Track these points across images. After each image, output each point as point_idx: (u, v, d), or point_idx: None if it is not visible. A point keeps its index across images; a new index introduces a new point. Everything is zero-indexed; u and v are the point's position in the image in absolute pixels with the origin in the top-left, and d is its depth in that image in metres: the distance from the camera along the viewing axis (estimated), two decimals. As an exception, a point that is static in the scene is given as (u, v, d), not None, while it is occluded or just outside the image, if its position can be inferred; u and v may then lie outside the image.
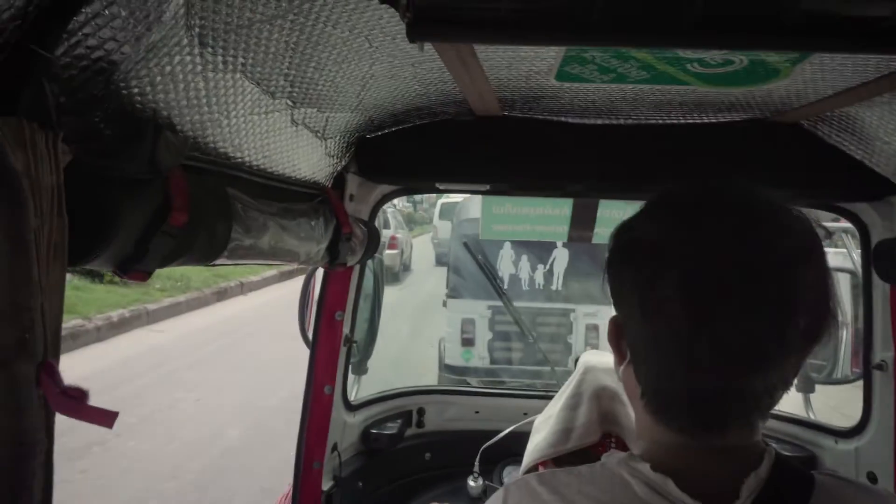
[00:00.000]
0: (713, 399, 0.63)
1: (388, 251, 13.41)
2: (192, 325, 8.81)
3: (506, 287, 4.58)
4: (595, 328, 4.72)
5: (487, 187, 1.43)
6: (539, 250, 4.87)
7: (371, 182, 1.48)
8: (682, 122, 1.34)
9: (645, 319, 0.64)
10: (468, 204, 5.44)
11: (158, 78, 0.66)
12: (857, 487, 0.67)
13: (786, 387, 0.64)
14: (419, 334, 7.95)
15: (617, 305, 0.71)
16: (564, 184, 1.43)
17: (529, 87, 1.14)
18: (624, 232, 0.70)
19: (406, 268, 14.77)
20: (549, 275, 4.87)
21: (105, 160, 0.59)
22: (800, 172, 1.32)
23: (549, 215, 1.93)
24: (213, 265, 0.85)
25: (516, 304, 3.98)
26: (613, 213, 1.67)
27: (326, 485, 1.57)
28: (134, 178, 0.63)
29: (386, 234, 13.03)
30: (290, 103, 0.95)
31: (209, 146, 0.84)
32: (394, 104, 1.22)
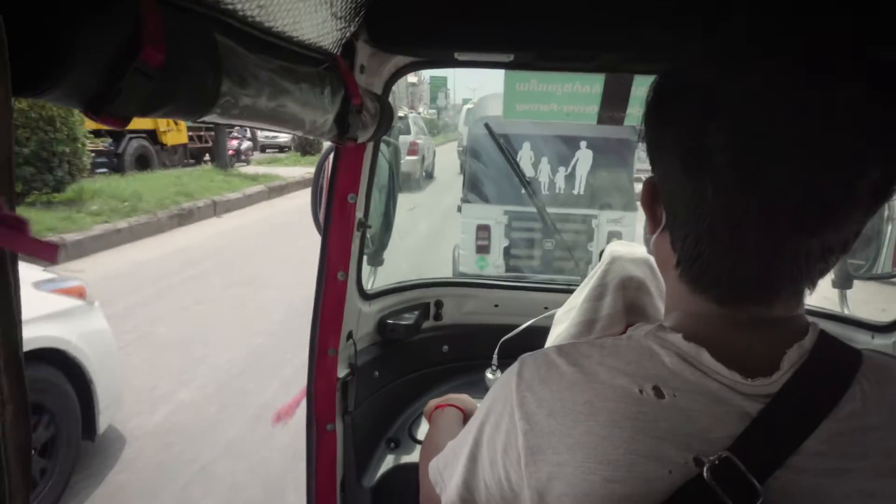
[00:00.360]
0: (761, 262, 0.56)
1: (407, 157, 12.99)
2: (126, 261, 6.99)
3: (522, 191, 4.22)
4: (619, 235, 4.44)
5: (511, 57, 1.30)
6: (561, 151, 4.51)
7: (383, 52, 1.35)
8: None
9: (687, 176, 0.57)
10: (485, 101, 5.10)
11: None
12: None
13: (844, 249, 0.57)
14: (438, 242, 7.71)
15: (654, 163, 0.63)
16: (597, 54, 1.29)
17: None
18: (667, 79, 0.61)
19: (429, 175, 14.48)
20: (570, 178, 4.55)
21: None
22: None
23: (577, 93, 1.79)
24: (205, 122, 0.77)
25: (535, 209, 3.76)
26: (649, 92, 1.52)
27: (342, 372, 1.57)
28: None
29: (406, 140, 13.30)
30: None
31: None
32: None
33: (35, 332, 2.77)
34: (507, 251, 4.70)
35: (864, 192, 0.53)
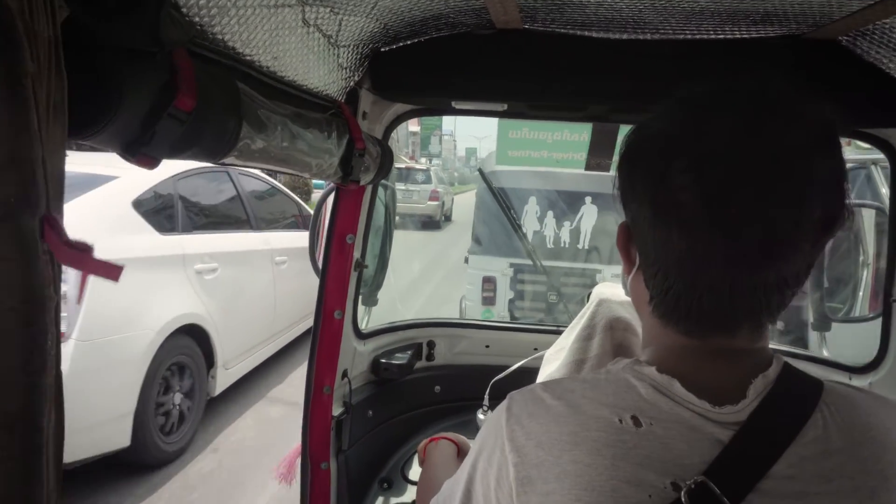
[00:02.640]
0: (723, 294, 0.61)
1: (430, 202, 15.33)
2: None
3: (529, 245, 4.26)
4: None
5: (505, 107, 1.38)
6: (566, 206, 4.57)
7: (385, 100, 1.43)
8: (713, 36, 1.27)
9: (655, 216, 0.63)
10: (492, 156, 4.96)
11: None
12: (868, 394, 0.67)
13: (797, 283, 0.63)
14: (448, 266, 8.61)
15: (626, 207, 0.69)
16: (586, 104, 1.37)
17: None
18: (636, 132, 0.68)
19: (447, 218, 16.39)
20: (575, 232, 4.58)
21: (104, 24, 0.55)
22: (832, 94, 1.25)
23: (567, 141, 1.88)
24: (223, 163, 0.82)
25: (542, 261, 3.80)
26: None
27: (337, 410, 1.58)
28: (137, 50, 0.60)
29: (428, 189, 15.16)
30: None
31: (217, 37, 0.80)
32: (411, 10, 1.16)
33: (186, 310, 3.87)
34: (511, 303, 4.71)
35: (810, 226, 0.59)
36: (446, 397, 2.02)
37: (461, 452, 1.26)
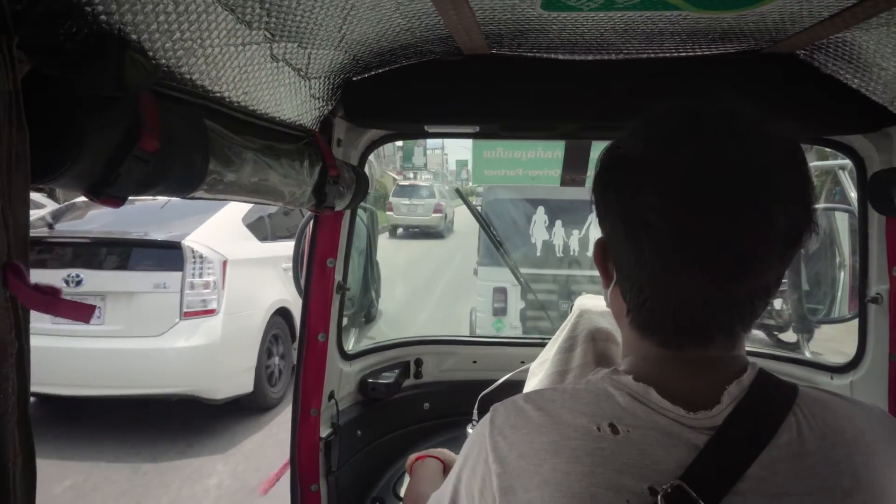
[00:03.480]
0: (695, 308, 0.64)
1: (434, 214, 17.47)
2: None
3: (538, 253, 4.47)
4: None
5: (477, 129, 1.41)
6: (574, 216, 4.58)
7: (359, 127, 1.45)
8: (675, 55, 1.30)
9: (628, 234, 0.65)
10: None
11: None
12: (842, 398, 0.68)
13: (768, 296, 0.65)
14: (455, 266, 9.80)
15: (602, 224, 0.72)
16: (556, 124, 1.41)
17: (516, 18, 1.11)
18: (609, 152, 0.70)
19: (448, 229, 18.40)
20: (584, 241, 4.58)
21: (68, 73, 0.57)
22: (794, 105, 1.30)
23: (541, 159, 1.91)
24: (192, 198, 0.84)
25: (550, 271, 4.05)
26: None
27: (325, 432, 1.59)
28: (101, 96, 0.62)
29: (432, 203, 17.47)
30: (268, 35, 0.92)
31: (185, 76, 0.82)
32: (379, 41, 1.19)
33: (279, 297, 5.22)
34: (523, 313, 4.68)
35: (777, 240, 0.61)
36: (435, 414, 2.03)
37: (447, 469, 1.27)
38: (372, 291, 2.08)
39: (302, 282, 1.59)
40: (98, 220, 4.79)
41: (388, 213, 17.19)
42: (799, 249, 0.65)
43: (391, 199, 17.79)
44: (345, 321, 1.75)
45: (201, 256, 4.34)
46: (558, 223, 4.59)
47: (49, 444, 4.12)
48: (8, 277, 0.46)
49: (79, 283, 4.24)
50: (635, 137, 0.67)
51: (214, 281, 4.33)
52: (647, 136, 0.66)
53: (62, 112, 0.58)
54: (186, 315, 4.27)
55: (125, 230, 4.49)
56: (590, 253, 4.56)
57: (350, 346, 1.88)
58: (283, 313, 5.35)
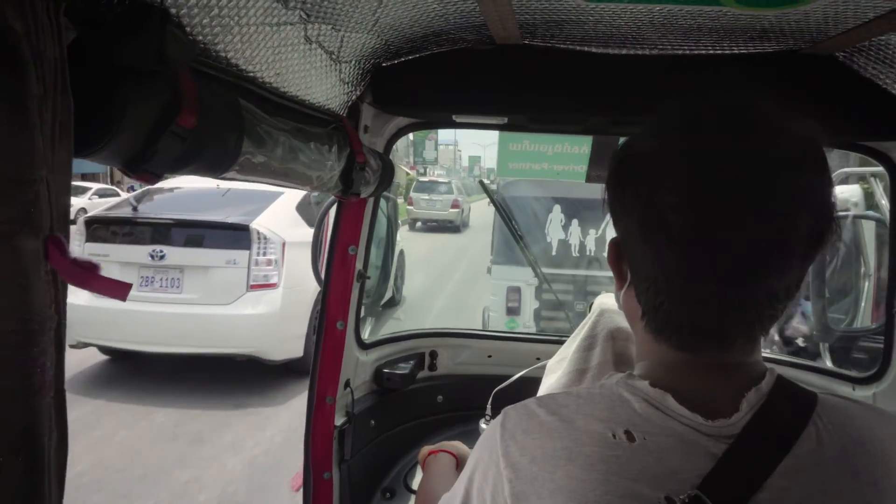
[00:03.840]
0: (714, 310, 0.61)
1: (451, 209, 18.41)
2: None
3: (555, 252, 4.44)
4: None
5: (505, 120, 1.39)
6: (591, 215, 4.52)
7: (386, 114, 1.44)
8: (712, 52, 1.28)
9: (644, 234, 0.63)
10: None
11: None
12: (863, 406, 0.67)
13: (788, 297, 0.63)
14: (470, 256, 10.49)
15: (617, 225, 0.70)
16: (585, 118, 1.39)
17: (552, 8, 1.09)
18: (623, 150, 0.69)
19: (465, 224, 19.48)
20: (601, 241, 4.55)
21: (110, 44, 0.56)
22: (830, 108, 1.27)
23: (567, 153, 1.88)
24: (224, 178, 0.83)
25: (565, 271, 4.03)
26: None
27: (339, 420, 1.59)
28: (142, 69, 0.61)
29: (450, 198, 18.40)
30: (303, 15, 0.91)
31: (220, 55, 0.81)
32: (412, 27, 1.17)
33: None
34: (537, 313, 4.60)
35: (798, 242, 0.59)
36: (449, 407, 2.03)
37: (460, 464, 1.26)
38: (392, 279, 2.07)
39: (321, 268, 1.58)
40: (171, 205, 5.50)
41: (408, 206, 17.96)
42: (820, 251, 0.62)
43: (411, 193, 18.70)
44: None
45: (265, 238, 5.02)
46: (575, 222, 4.54)
47: (135, 392, 5.09)
48: (49, 250, 0.45)
49: (162, 257, 5.00)
50: (652, 135, 0.65)
51: (276, 259, 5.03)
52: (665, 134, 0.64)
53: (104, 85, 0.57)
54: (252, 287, 4.98)
55: (197, 213, 5.24)
56: (606, 253, 4.36)
57: (366, 335, 1.87)
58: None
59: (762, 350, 0.68)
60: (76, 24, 0.53)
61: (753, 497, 0.57)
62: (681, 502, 0.57)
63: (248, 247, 4.95)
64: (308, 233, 5.00)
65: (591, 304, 1.43)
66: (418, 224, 18.57)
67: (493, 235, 4.96)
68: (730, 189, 0.58)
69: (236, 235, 5.00)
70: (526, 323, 4.62)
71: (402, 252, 7.35)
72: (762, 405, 0.61)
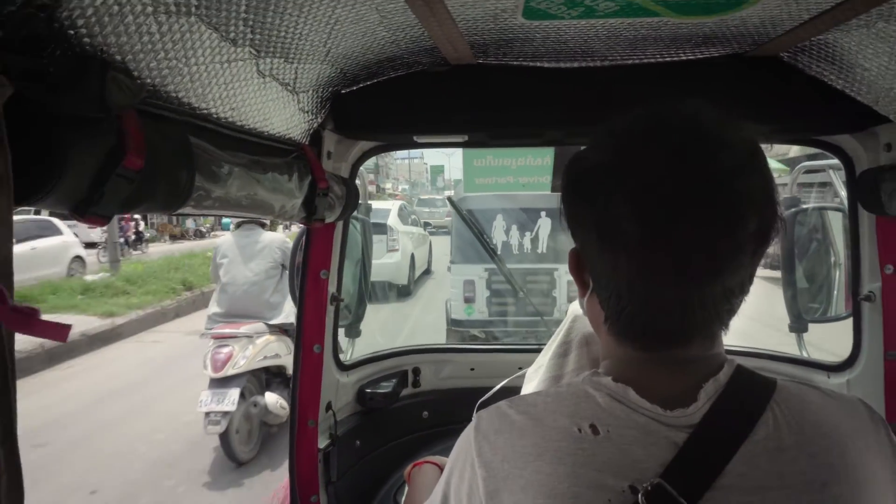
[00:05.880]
0: (675, 311, 0.65)
1: (446, 218, 20.05)
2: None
3: (499, 252, 5.21)
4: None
5: (465, 138, 1.42)
6: (526, 220, 5.71)
7: (348, 139, 1.47)
8: (660, 60, 1.32)
9: (602, 242, 0.66)
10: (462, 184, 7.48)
11: (106, 19, 0.65)
12: (822, 393, 0.69)
13: (742, 292, 0.67)
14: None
15: (575, 236, 0.73)
16: (543, 131, 1.42)
17: (498, 28, 1.12)
18: (575, 163, 0.72)
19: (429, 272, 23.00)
20: (535, 240, 5.78)
21: (50, 96, 0.58)
22: (781, 107, 1.31)
23: (530, 166, 1.93)
24: (180, 214, 0.85)
25: (509, 266, 4.74)
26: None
27: (323, 443, 1.59)
28: (84, 116, 0.63)
29: (444, 210, 21.03)
30: (253, 52, 0.94)
31: (170, 94, 0.84)
32: (364, 54, 1.20)
33: (411, 249, 11.73)
34: (489, 300, 5.89)
35: (747, 240, 0.63)
36: (434, 422, 2.03)
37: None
38: (367, 299, 2.09)
39: (297, 293, 1.59)
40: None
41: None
42: (767, 247, 0.66)
43: (415, 207, 22.10)
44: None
45: (392, 228, 10.53)
46: (514, 227, 5.73)
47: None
48: None
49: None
50: (602, 147, 0.69)
51: (396, 239, 10.58)
52: (615, 145, 0.67)
53: (45, 132, 0.59)
54: (389, 251, 10.34)
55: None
56: (540, 251, 5.79)
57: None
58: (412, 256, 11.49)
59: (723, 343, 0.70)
60: (13, 78, 0.55)
61: (714, 483, 0.60)
62: (644, 491, 0.59)
63: (386, 232, 10.20)
64: (404, 227, 11.26)
65: (567, 309, 1.45)
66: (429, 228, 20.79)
67: (451, 241, 6.17)
68: (679, 196, 0.61)
69: (382, 227, 10.06)
70: (480, 308, 5.85)
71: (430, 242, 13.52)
72: (720, 394, 0.65)
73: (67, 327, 0.51)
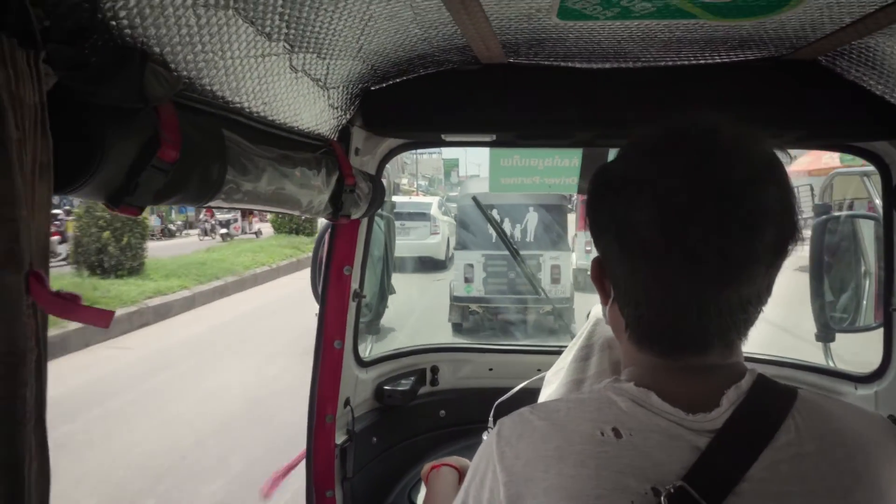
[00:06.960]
0: (691, 318, 0.66)
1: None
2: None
3: (494, 240, 6.70)
4: (557, 267, 7.20)
5: (493, 137, 1.41)
6: (516, 213, 7.22)
7: (377, 136, 1.47)
8: (694, 62, 1.29)
9: (623, 251, 0.68)
10: (469, 183, 9.47)
11: (147, 10, 0.66)
12: (843, 404, 0.71)
13: (759, 302, 0.68)
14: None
15: (597, 243, 0.75)
16: (573, 132, 1.40)
17: (532, 27, 1.11)
18: (597, 177, 0.74)
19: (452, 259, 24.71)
20: (524, 231, 7.29)
21: (91, 86, 0.59)
22: (817, 112, 1.28)
23: (557, 167, 1.91)
24: (209, 206, 0.86)
25: (502, 252, 6.15)
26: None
27: (340, 438, 1.60)
28: (122, 107, 0.63)
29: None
30: (287, 47, 0.94)
31: (205, 87, 0.84)
32: (396, 51, 1.20)
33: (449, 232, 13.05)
34: (485, 280, 7.33)
35: (765, 250, 0.64)
36: (451, 421, 2.03)
37: (462, 478, 1.27)
38: (388, 297, 2.09)
39: (319, 288, 1.60)
40: (409, 205, 13.62)
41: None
42: (785, 259, 0.67)
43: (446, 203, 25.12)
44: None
45: (433, 217, 12.78)
46: (507, 220, 7.14)
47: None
48: (31, 284, 0.47)
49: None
50: (624, 160, 0.71)
51: (437, 224, 12.76)
52: (635, 158, 0.70)
53: (85, 123, 0.60)
54: (432, 234, 12.66)
55: (413, 208, 13.05)
56: (529, 239, 7.25)
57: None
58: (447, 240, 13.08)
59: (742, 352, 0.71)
60: (57, 69, 0.56)
61: (736, 488, 0.61)
62: (666, 493, 0.60)
63: (429, 220, 12.48)
64: (443, 217, 13.73)
65: (589, 312, 1.43)
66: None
67: (455, 232, 7.61)
68: (698, 209, 0.63)
69: (424, 215, 12.55)
70: (478, 287, 7.31)
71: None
72: (742, 401, 0.65)
73: (110, 313, 0.52)
